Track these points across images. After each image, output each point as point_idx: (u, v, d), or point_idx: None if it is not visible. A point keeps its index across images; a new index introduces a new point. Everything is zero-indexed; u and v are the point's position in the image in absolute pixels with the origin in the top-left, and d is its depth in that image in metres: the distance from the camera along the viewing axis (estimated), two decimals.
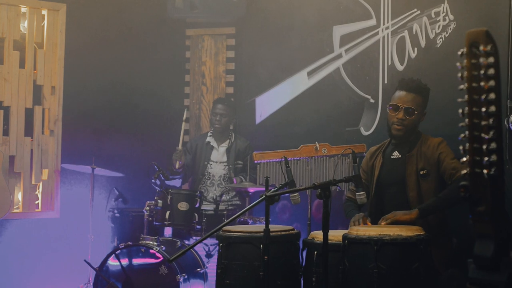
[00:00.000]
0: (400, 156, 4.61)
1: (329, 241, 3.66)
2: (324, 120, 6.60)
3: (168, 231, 6.00)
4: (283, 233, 4.33)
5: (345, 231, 4.02)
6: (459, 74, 2.08)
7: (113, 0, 7.28)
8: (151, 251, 5.57)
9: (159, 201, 5.82)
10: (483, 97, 2.03)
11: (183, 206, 5.82)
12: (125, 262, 5.63)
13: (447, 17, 5.79)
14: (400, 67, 6.12)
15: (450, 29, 5.76)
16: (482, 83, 2.03)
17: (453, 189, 4.26)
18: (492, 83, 2.02)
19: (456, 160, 4.37)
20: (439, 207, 4.30)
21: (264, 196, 3.68)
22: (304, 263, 4.31)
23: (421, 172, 4.45)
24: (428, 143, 4.53)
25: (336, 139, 5.94)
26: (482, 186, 2.06)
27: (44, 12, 6.94)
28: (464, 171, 4.03)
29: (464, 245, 4.68)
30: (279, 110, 7.09)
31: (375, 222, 4.54)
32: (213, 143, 6.74)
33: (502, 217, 2.09)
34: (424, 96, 4.58)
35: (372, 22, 6.38)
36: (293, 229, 4.45)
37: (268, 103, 7.17)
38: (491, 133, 2.02)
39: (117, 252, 5.64)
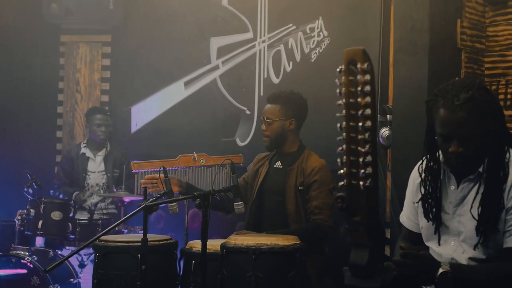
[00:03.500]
0: (281, 166, 4.73)
1: (207, 251, 3.70)
2: (201, 130, 6.65)
3: (40, 241, 5.85)
4: (160, 242, 4.31)
5: (222, 240, 4.07)
6: (338, 90, 2.15)
7: None
8: (22, 261, 5.40)
9: (31, 210, 5.66)
10: (359, 112, 2.10)
11: (56, 215, 5.68)
12: None
13: (321, 33, 5.99)
14: (276, 80, 6.27)
15: (324, 44, 5.96)
16: (359, 99, 2.11)
17: (308, 228, 4.44)
18: (368, 99, 2.10)
19: (322, 198, 4.48)
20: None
21: (143, 206, 3.68)
22: (181, 273, 4.31)
23: (300, 187, 4.56)
24: (310, 162, 4.62)
25: (213, 149, 5.99)
26: (358, 197, 2.14)
27: None
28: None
29: (337, 254, 4.83)
30: (155, 119, 7.07)
31: (253, 228, 4.64)
32: (89, 154, 6.64)
33: (376, 227, 2.19)
34: (284, 104, 4.68)
35: (249, 35, 6.50)
36: (170, 239, 4.44)
37: (144, 112, 7.14)
38: (367, 146, 2.10)
39: None
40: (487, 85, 4.53)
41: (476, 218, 2.78)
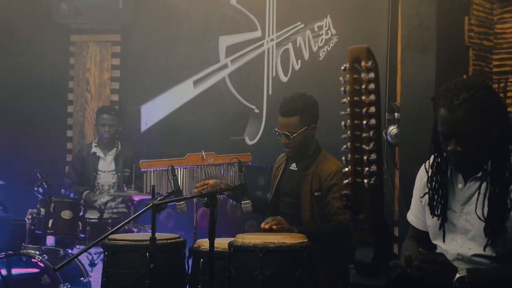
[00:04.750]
0: (296, 169, 4.66)
1: (215, 249, 3.71)
2: (210, 129, 6.66)
3: (50, 240, 5.87)
4: (169, 241, 4.32)
5: (231, 239, 4.07)
6: (342, 88, 2.15)
7: None
8: (33, 260, 5.42)
9: (41, 209, 5.68)
10: (364, 110, 2.11)
11: (66, 214, 5.71)
12: (5, 272, 5.46)
13: (329, 31, 6.00)
14: (284, 79, 6.27)
15: (332, 43, 5.96)
16: (363, 97, 2.11)
17: (334, 226, 4.37)
18: (372, 97, 2.10)
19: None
20: (318, 238, 4.26)
21: (150, 204, 3.69)
22: (190, 271, 4.32)
23: (315, 194, 4.48)
24: (326, 167, 4.53)
25: (222, 148, 5.99)
26: (362, 195, 2.14)
27: None
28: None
29: (347, 252, 4.82)
30: (164, 118, 7.09)
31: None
32: (99, 153, 6.66)
33: (381, 225, 2.19)
34: (303, 114, 4.53)
35: (258, 33, 6.51)
36: (179, 237, 4.45)
37: (153, 111, 7.16)
38: (371, 144, 2.10)
39: None
40: (495, 82, 4.53)
41: (483, 218, 2.78)
